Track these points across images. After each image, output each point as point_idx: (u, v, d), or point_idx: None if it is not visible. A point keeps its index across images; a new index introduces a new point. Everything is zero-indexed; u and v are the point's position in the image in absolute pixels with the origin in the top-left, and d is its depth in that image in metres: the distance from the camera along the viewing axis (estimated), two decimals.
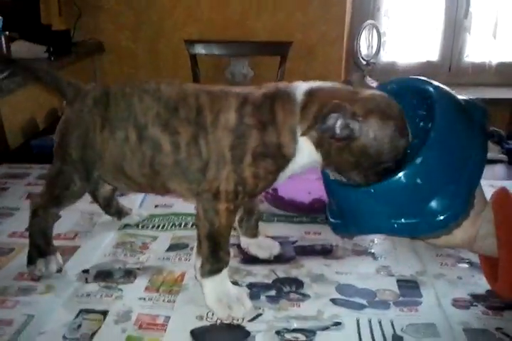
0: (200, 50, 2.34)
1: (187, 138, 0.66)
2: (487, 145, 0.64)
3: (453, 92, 0.67)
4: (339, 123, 0.59)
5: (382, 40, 2.51)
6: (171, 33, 2.47)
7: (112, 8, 2.44)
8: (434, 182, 0.60)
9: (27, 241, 0.84)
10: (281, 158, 0.65)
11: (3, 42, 1.83)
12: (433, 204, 0.60)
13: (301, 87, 0.65)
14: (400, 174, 0.59)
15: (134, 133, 0.68)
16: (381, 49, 2.53)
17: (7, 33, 1.85)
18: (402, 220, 0.61)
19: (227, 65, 2.38)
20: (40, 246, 0.75)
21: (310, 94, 0.64)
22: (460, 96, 0.67)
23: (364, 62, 2.51)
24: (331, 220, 0.71)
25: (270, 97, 0.65)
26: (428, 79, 0.68)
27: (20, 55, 1.91)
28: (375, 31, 2.49)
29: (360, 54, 2.49)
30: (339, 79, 2.50)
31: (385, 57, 2.62)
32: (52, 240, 0.77)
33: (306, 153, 0.65)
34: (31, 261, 0.74)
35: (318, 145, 0.63)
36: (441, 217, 0.60)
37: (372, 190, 0.61)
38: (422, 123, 0.71)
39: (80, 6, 2.35)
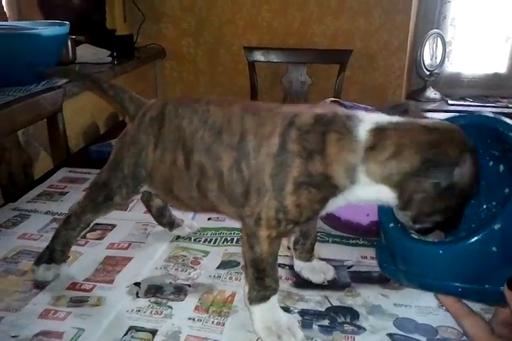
0: (258, 57, 2.33)
1: (229, 164, 0.64)
2: None
3: None
4: (443, 176, 0.54)
5: (447, 49, 2.43)
6: (230, 39, 2.48)
7: (175, 14, 2.48)
8: (510, 251, 0.53)
9: (83, 248, 0.86)
10: (329, 188, 0.59)
11: (70, 46, 1.89)
12: (505, 272, 0.53)
13: (365, 123, 0.58)
14: (474, 238, 0.53)
15: (181, 156, 0.67)
16: (446, 59, 2.45)
17: (73, 36, 1.91)
18: (467, 285, 0.55)
19: (285, 72, 2.36)
20: (55, 252, 0.77)
21: (378, 133, 0.57)
22: None
23: (427, 73, 2.43)
24: (383, 264, 0.65)
25: (323, 125, 0.59)
26: (507, 121, 0.61)
27: (84, 59, 1.97)
28: (439, 40, 2.41)
29: (424, 64, 2.41)
30: (400, 89, 2.43)
31: (450, 67, 2.52)
32: (69, 250, 0.79)
33: (370, 190, 0.59)
34: (38, 261, 0.77)
35: (398, 188, 0.57)
36: None
37: (441, 251, 0.56)
38: (491, 163, 0.66)
39: (144, 11, 2.40)
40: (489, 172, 0.66)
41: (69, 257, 0.80)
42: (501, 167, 0.65)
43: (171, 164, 0.69)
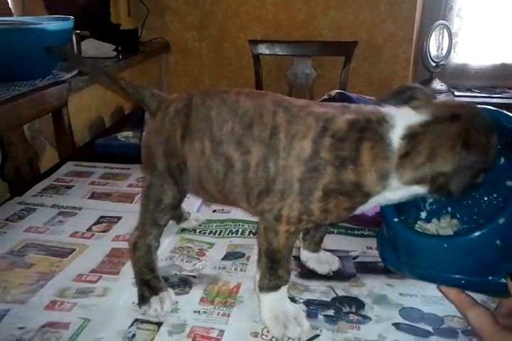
0: (263, 50, 2.32)
1: (257, 158, 0.62)
2: None
3: None
4: (480, 164, 0.55)
5: (453, 41, 2.40)
6: (235, 33, 2.47)
7: (180, 8, 2.47)
8: None
9: (88, 241, 0.86)
10: (361, 196, 0.59)
11: (74, 41, 1.89)
12: (508, 265, 0.54)
13: (397, 129, 0.57)
14: (479, 232, 0.53)
15: (209, 146, 0.66)
16: (452, 50, 2.42)
17: (78, 31, 1.91)
18: (471, 277, 0.55)
19: (290, 65, 2.35)
20: (150, 282, 0.70)
21: (411, 139, 0.56)
22: None
23: (433, 64, 2.41)
24: (385, 256, 0.65)
25: (357, 131, 0.58)
26: (510, 115, 0.60)
27: (89, 54, 1.97)
28: (446, 32, 2.38)
29: (430, 55, 2.39)
30: (406, 81, 2.41)
31: (456, 59, 2.50)
32: (159, 274, 0.72)
33: (400, 192, 0.59)
34: (144, 300, 0.68)
35: (430, 183, 0.57)
36: None
37: (446, 245, 0.55)
38: (503, 160, 0.66)
39: (148, 5, 2.39)
40: (499, 168, 0.66)
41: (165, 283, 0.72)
42: (502, 160, 0.65)
43: (199, 154, 0.66)
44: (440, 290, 0.61)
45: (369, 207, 0.63)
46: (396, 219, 0.62)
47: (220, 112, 0.66)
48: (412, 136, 0.57)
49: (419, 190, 0.58)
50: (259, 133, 0.63)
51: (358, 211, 0.63)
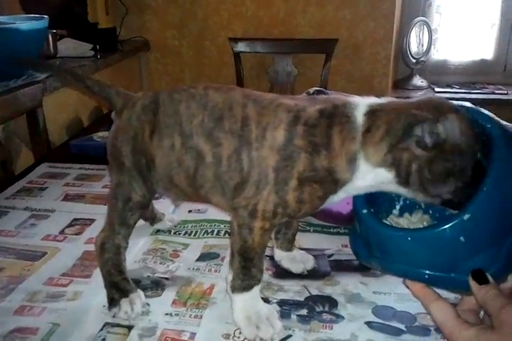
0: (243, 47, 2.31)
1: (229, 151, 0.62)
2: None
3: None
4: (426, 131, 0.54)
5: (433, 37, 2.42)
6: (215, 31, 2.45)
7: (159, 6, 2.45)
8: (478, 242, 0.53)
9: (61, 244, 0.85)
10: (332, 184, 0.60)
11: (51, 40, 1.86)
12: (471, 263, 0.54)
13: (360, 107, 0.59)
14: (443, 227, 0.53)
15: (179, 141, 0.65)
16: (432, 47, 2.44)
17: (54, 31, 1.89)
18: (434, 273, 0.55)
19: (271, 62, 2.34)
20: (119, 284, 0.69)
21: (371, 114, 0.58)
22: None
23: (414, 61, 2.42)
24: (356, 248, 0.65)
25: (327, 117, 0.59)
26: (492, 116, 0.60)
27: (66, 53, 1.95)
28: (425, 28, 2.40)
29: (410, 52, 2.41)
30: (387, 78, 2.42)
31: (436, 55, 2.52)
32: (127, 276, 0.71)
33: (369, 177, 0.59)
34: (114, 302, 0.67)
35: (394, 166, 0.57)
36: None
37: (409, 238, 0.55)
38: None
39: (126, 4, 2.37)
40: None
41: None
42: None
43: (168, 149, 0.66)
44: (405, 285, 0.61)
45: (338, 199, 0.63)
46: (365, 211, 0.62)
47: (189, 106, 0.65)
48: (373, 112, 0.58)
49: (386, 176, 0.58)
50: (230, 125, 0.62)
51: (329, 203, 0.63)
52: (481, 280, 0.53)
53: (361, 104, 0.60)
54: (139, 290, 0.70)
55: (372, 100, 0.60)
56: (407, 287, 0.60)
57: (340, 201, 0.83)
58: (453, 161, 0.55)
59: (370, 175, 0.59)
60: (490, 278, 0.53)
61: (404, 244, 0.56)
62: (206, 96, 0.65)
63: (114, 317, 0.66)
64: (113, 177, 0.72)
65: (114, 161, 0.71)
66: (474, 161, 0.56)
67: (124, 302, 0.67)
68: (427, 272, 0.55)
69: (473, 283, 0.53)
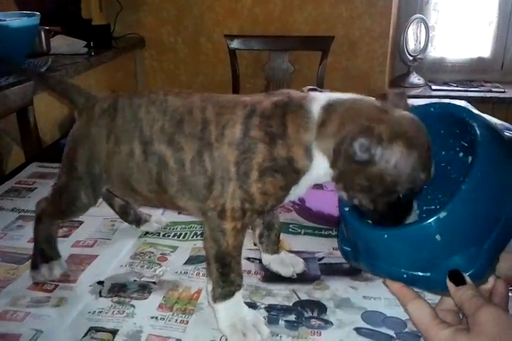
0: (239, 44, 2.29)
1: (191, 154, 0.62)
2: None
3: (502, 131, 0.58)
4: (361, 146, 0.53)
5: (430, 34, 2.40)
6: (211, 27, 2.43)
7: (154, 2, 2.43)
8: (455, 242, 0.52)
9: None
10: (293, 173, 0.60)
11: (43, 37, 1.85)
12: (448, 263, 0.52)
13: (318, 100, 0.59)
14: (417, 225, 0.53)
15: (139, 147, 0.65)
16: (429, 44, 2.42)
17: (47, 27, 1.87)
18: (412, 272, 0.54)
19: (267, 60, 2.33)
20: (44, 251, 0.74)
21: (328, 109, 0.58)
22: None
23: (410, 58, 2.41)
24: (343, 247, 0.64)
25: (281, 107, 0.59)
26: (475, 113, 0.59)
27: (59, 50, 1.93)
28: (423, 25, 2.38)
29: (407, 49, 2.39)
30: (383, 75, 2.40)
31: (434, 52, 2.50)
32: (57, 245, 0.76)
33: (321, 167, 0.59)
34: (35, 266, 0.73)
35: (333, 163, 0.58)
36: None
37: (386, 236, 0.55)
38: (461, 154, 0.64)
39: (120, 0, 2.35)
40: (461, 164, 0.64)
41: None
42: (470, 158, 0.64)
43: (127, 155, 0.66)
44: (385, 284, 0.60)
45: (301, 190, 0.63)
46: (347, 208, 0.61)
47: (149, 111, 0.65)
48: (332, 107, 0.58)
49: (330, 171, 0.59)
50: (190, 129, 0.63)
51: (297, 194, 0.64)
52: (459, 281, 0.52)
53: (321, 97, 0.60)
54: (62, 259, 0.75)
55: (334, 95, 0.60)
56: (386, 286, 0.59)
57: (331, 202, 0.82)
58: (372, 185, 0.56)
59: (322, 167, 0.59)
60: (467, 278, 0.52)
61: (382, 242, 0.55)
62: (166, 101, 0.65)
63: (33, 279, 0.73)
64: (62, 177, 0.72)
65: (68, 164, 0.71)
66: (399, 194, 0.56)
67: (44, 267, 0.73)
68: (405, 271, 0.54)
69: (450, 284, 0.52)
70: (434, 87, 2.37)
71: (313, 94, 0.61)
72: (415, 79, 2.43)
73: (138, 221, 0.87)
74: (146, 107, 0.66)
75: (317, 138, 0.58)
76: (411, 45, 2.41)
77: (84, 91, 0.72)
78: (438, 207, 0.68)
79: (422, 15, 2.38)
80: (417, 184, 0.56)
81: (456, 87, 2.38)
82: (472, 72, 2.46)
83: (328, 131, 0.57)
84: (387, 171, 0.54)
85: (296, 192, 0.63)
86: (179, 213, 0.94)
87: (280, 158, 0.58)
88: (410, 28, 2.36)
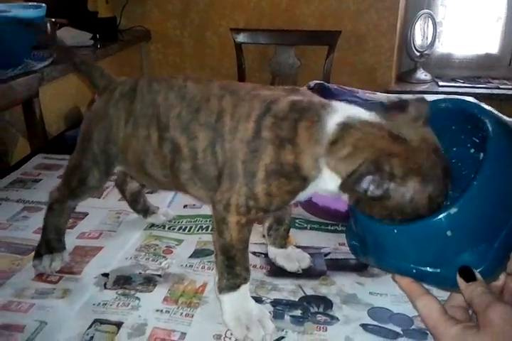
0: (245, 38, 2.28)
1: (204, 143, 0.61)
2: None
3: None
4: (373, 182, 0.52)
5: (437, 30, 2.38)
6: (217, 21, 2.42)
7: None
8: (466, 238, 0.52)
9: None
10: (300, 179, 0.58)
11: (49, 29, 1.84)
12: (458, 259, 0.52)
13: (336, 115, 0.56)
14: (428, 220, 0.52)
15: (155, 132, 0.65)
16: (436, 40, 2.40)
17: (53, 19, 1.86)
18: (421, 267, 0.54)
19: (273, 54, 2.31)
20: (51, 242, 0.75)
21: (343, 128, 0.55)
22: None
23: (417, 54, 2.39)
24: (351, 242, 0.63)
25: (297, 111, 0.57)
26: (487, 109, 0.58)
27: (66, 42, 1.92)
28: (430, 21, 2.36)
29: (414, 45, 2.37)
30: (390, 71, 2.38)
31: (441, 48, 2.48)
32: (64, 238, 0.77)
33: (329, 184, 0.58)
34: (38, 255, 0.74)
35: (343, 188, 0.55)
36: None
37: (395, 231, 0.54)
38: (472, 150, 0.64)
39: None
40: (472, 160, 0.64)
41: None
42: (481, 155, 0.63)
43: (144, 139, 0.66)
44: (394, 280, 0.59)
45: (307, 195, 0.62)
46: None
47: (167, 97, 0.65)
48: (347, 126, 0.56)
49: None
50: (206, 118, 0.62)
51: (304, 198, 0.63)
52: (469, 277, 0.52)
53: (339, 112, 0.57)
54: (65, 252, 0.75)
55: (353, 111, 0.57)
56: (395, 281, 0.59)
57: (336, 199, 0.82)
58: (391, 213, 0.55)
59: (332, 184, 0.57)
60: (478, 275, 0.52)
61: (391, 237, 0.55)
62: (185, 87, 0.65)
63: (34, 268, 0.73)
64: (76, 154, 0.73)
65: (83, 142, 0.71)
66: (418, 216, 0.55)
67: (46, 258, 0.73)
68: (414, 266, 0.54)
69: (460, 280, 0.52)
70: (441, 83, 2.36)
71: (334, 105, 0.58)
72: (422, 75, 2.41)
73: (146, 211, 0.87)
74: (164, 93, 0.65)
75: (326, 154, 0.56)
76: (418, 40, 2.39)
77: (107, 74, 0.73)
78: (448, 203, 0.67)
79: (429, 11, 2.36)
80: (434, 206, 0.54)
81: (464, 83, 2.36)
82: (479, 69, 2.44)
83: (339, 154, 0.55)
84: (404, 204, 0.53)
85: (305, 196, 0.62)
86: (184, 207, 0.94)
87: (287, 163, 0.57)
88: (418, 23, 2.35)
